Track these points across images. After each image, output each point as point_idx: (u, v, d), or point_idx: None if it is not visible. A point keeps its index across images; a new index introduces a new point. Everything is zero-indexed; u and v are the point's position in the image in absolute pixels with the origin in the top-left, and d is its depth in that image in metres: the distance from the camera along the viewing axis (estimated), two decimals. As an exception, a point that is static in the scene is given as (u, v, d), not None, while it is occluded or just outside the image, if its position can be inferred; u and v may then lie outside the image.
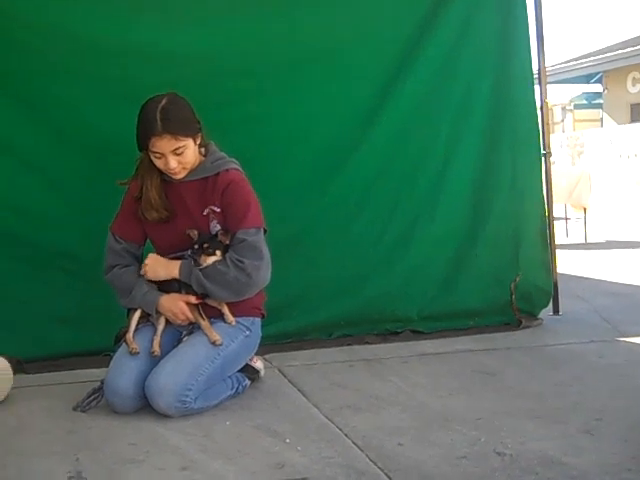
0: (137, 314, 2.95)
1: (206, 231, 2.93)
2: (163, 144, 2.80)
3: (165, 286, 2.95)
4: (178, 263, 2.92)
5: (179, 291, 2.93)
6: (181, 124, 2.82)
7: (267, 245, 2.95)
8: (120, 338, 2.98)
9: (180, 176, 2.92)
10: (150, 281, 2.95)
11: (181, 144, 2.82)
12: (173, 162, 2.85)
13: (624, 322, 4.22)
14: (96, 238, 3.18)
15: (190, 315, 2.91)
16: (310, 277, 3.85)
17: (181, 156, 2.85)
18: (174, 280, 2.93)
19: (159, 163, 2.87)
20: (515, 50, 4.18)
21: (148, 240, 3.09)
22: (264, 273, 2.93)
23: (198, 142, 2.92)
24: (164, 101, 2.83)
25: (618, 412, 2.77)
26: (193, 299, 2.91)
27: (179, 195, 2.97)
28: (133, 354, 2.84)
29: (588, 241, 8.83)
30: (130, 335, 2.91)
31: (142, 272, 2.95)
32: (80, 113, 3.51)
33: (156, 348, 2.88)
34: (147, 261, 2.96)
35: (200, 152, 2.99)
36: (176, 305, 2.90)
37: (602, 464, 2.29)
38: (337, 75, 3.86)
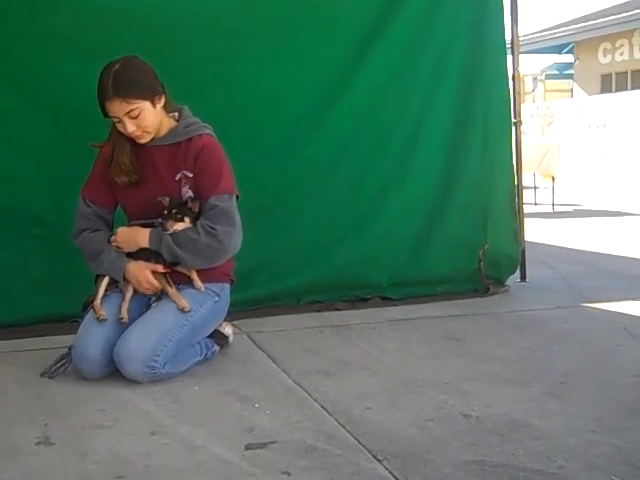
0: (105, 280, 2.92)
1: (177, 196, 2.90)
2: (115, 108, 2.78)
3: (135, 254, 2.92)
4: (147, 231, 2.89)
5: (149, 259, 2.91)
6: (132, 87, 2.79)
7: (239, 211, 2.94)
8: (88, 305, 2.96)
9: (144, 140, 2.89)
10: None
11: (133, 107, 2.79)
12: (130, 126, 2.81)
13: (589, 288, 4.29)
14: (66, 202, 3.15)
15: (156, 284, 2.89)
16: (280, 243, 3.84)
17: (137, 119, 2.81)
18: (144, 248, 2.91)
19: (119, 127, 2.85)
20: (488, 19, 4.17)
21: (119, 208, 3.06)
22: (236, 239, 2.91)
23: (160, 105, 2.88)
24: (117, 65, 2.80)
25: (583, 376, 2.82)
26: (160, 268, 2.89)
27: (151, 160, 2.94)
28: (101, 321, 2.83)
29: (556, 210, 8.93)
30: (98, 302, 2.89)
31: (113, 243, 2.93)
32: (52, 74, 3.44)
33: (124, 315, 2.86)
34: (117, 237, 2.93)
35: (173, 117, 2.96)
36: (142, 273, 2.88)
37: (567, 426, 2.33)
38: (312, 39, 3.84)
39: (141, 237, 2.89)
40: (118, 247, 2.92)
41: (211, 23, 3.61)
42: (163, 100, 2.89)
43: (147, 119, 2.84)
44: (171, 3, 3.57)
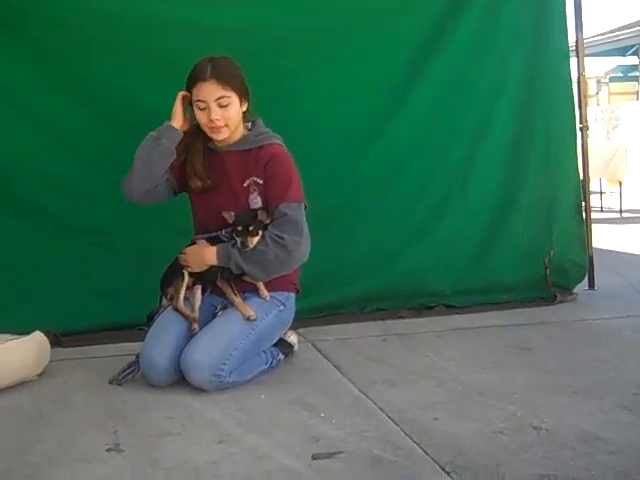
0: (185, 283, 2.92)
1: (245, 204, 2.91)
2: (209, 90, 2.81)
3: (203, 273, 2.94)
4: (215, 249, 2.90)
5: (217, 273, 2.92)
6: (230, 76, 2.85)
7: (307, 222, 2.94)
8: (152, 316, 3.00)
9: (221, 136, 2.91)
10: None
11: (226, 94, 2.82)
12: (215, 112, 2.83)
13: (661, 297, 4.18)
14: (130, 212, 3.20)
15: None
16: (343, 251, 3.84)
17: (225, 109, 2.84)
18: (212, 266, 2.92)
19: (202, 116, 2.86)
20: (551, 23, 4.12)
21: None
22: (304, 249, 2.91)
23: (244, 107, 2.91)
24: (217, 56, 2.88)
25: (656, 387, 2.74)
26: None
27: (221, 165, 2.97)
28: (193, 329, 2.85)
29: (623, 215, 8.73)
30: (181, 303, 2.90)
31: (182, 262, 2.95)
32: (115, 88, 3.51)
33: (195, 326, 2.88)
34: (185, 257, 2.95)
35: (245, 126, 2.98)
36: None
37: (641, 440, 2.27)
38: (371, 50, 3.83)
39: (209, 255, 2.91)
40: (188, 267, 2.93)
41: (273, 37, 3.63)
42: (246, 105, 2.92)
43: (233, 111, 2.87)
44: (233, 18, 3.59)
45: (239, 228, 2.84)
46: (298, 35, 3.68)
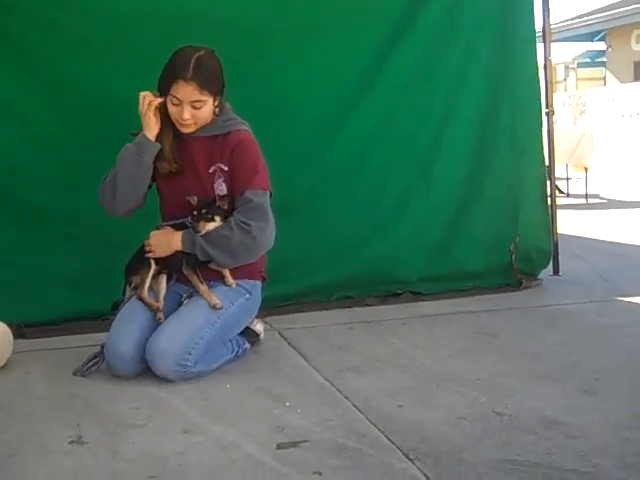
0: (150, 272, 2.91)
1: (210, 189, 2.91)
2: (187, 92, 2.78)
3: (168, 258, 2.92)
4: (180, 234, 2.89)
5: (182, 261, 2.91)
6: (211, 79, 2.83)
7: (272, 209, 2.93)
8: (118, 305, 2.98)
9: (189, 130, 2.90)
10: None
11: (203, 98, 2.81)
12: (187, 113, 2.82)
13: (623, 282, 4.23)
14: (97, 202, 3.16)
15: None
16: (309, 239, 3.83)
17: (197, 110, 2.83)
18: (177, 251, 2.91)
19: (173, 110, 2.84)
20: (519, 7, 4.13)
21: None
22: (269, 235, 2.91)
23: (216, 103, 2.89)
24: (202, 52, 2.83)
25: (617, 371, 2.78)
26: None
27: (188, 151, 2.95)
28: (158, 318, 2.83)
29: (589, 201, 8.81)
30: (145, 293, 2.88)
31: (148, 254, 2.92)
32: (83, 80, 3.47)
33: (160, 316, 2.86)
34: (150, 241, 2.93)
35: (214, 112, 2.96)
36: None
37: (602, 423, 2.30)
38: (335, 40, 3.82)
39: (174, 240, 2.90)
40: (152, 252, 2.91)
41: (237, 24, 3.60)
42: (220, 99, 2.91)
43: (204, 113, 2.86)
44: (199, 6, 3.57)
45: (194, 212, 2.84)
46: (266, 20, 3.66)
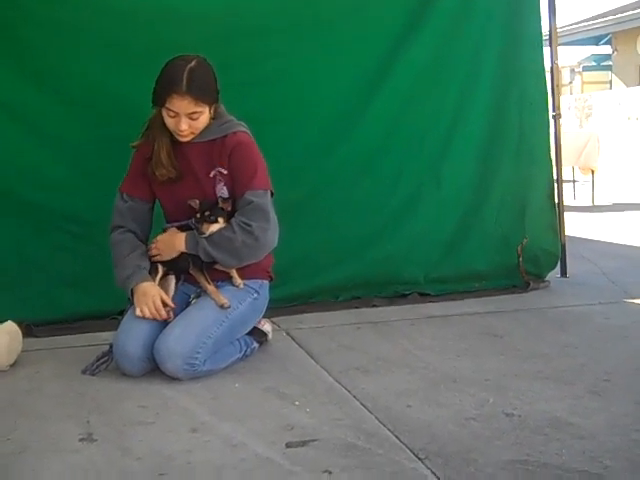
0: (159, 275, 2.92)
1: (212, 194, 2.91)
2: (182, 104, 2.77)
3: (175, 259, 2.93)
4: (183, 237, 2.90)
5: (189, 261, 2.91)
6: (204, 90, 2.80)
7: (274, 208, 2.94)
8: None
9: (187, 139, 2.90)
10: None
11: (199, 109, 2.80)
12: (184, 124, 2.82)
13: (631, 284, 4.23)
14: (103, 201, 3.17)
15: (160, 314, 2.83)
16: (317, 240, 3.83)
17: (194, 121, 2.83)
18: (182, 253, 2.91)
19: (170, 122, 2.84)
20: (524, 12, 4.13)
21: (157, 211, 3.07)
22: (272, 236, 2.91)
23: (212, 110, 2.89)
24: (194, 62, 2.80)
25: (626, 373, 2.78)
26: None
27: (186, 157, 2.94)
28: (168, 317, 2.84)
29: (595, 204, 8.81)
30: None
31: (153, 257, 2.94)
32: (85, 76, 3.46)
33: (170, 314, 2.87)
34: (156, 244, 2.94)
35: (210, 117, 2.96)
36: (151, 296, 2.84)
37: (611, 425, 2.30)
38: (345, 39, 3.81)
39: (178, 242, 2.91)
40: (158, 257, 2.92)
41: (245, 23, 3.61)
42: (215, 106, 2.90)
43: (201, 122, 2.86)
44: (203, 5, 3.57)
45: (197, 215, 2.85)
46: (269, 20, 3.66)
